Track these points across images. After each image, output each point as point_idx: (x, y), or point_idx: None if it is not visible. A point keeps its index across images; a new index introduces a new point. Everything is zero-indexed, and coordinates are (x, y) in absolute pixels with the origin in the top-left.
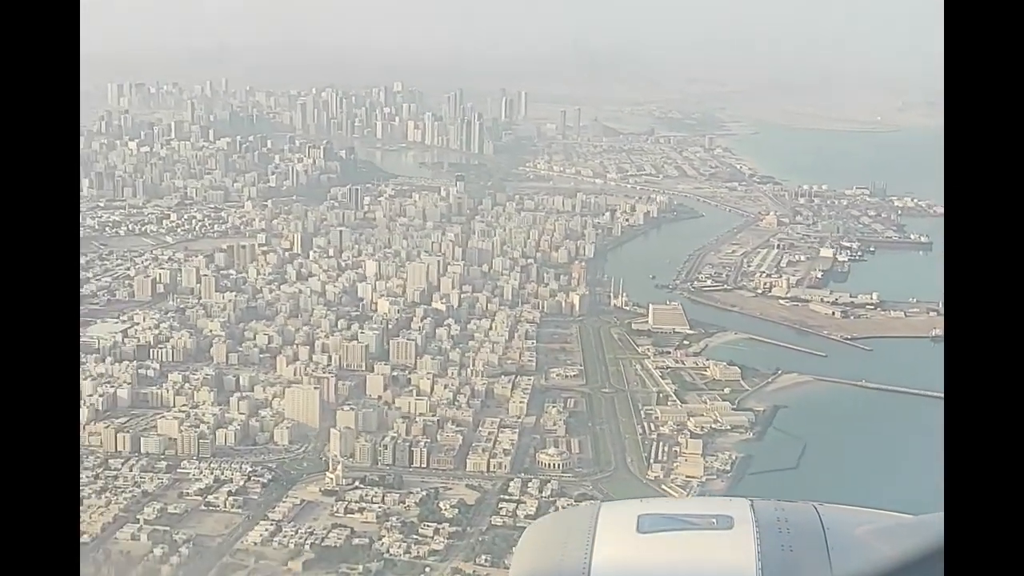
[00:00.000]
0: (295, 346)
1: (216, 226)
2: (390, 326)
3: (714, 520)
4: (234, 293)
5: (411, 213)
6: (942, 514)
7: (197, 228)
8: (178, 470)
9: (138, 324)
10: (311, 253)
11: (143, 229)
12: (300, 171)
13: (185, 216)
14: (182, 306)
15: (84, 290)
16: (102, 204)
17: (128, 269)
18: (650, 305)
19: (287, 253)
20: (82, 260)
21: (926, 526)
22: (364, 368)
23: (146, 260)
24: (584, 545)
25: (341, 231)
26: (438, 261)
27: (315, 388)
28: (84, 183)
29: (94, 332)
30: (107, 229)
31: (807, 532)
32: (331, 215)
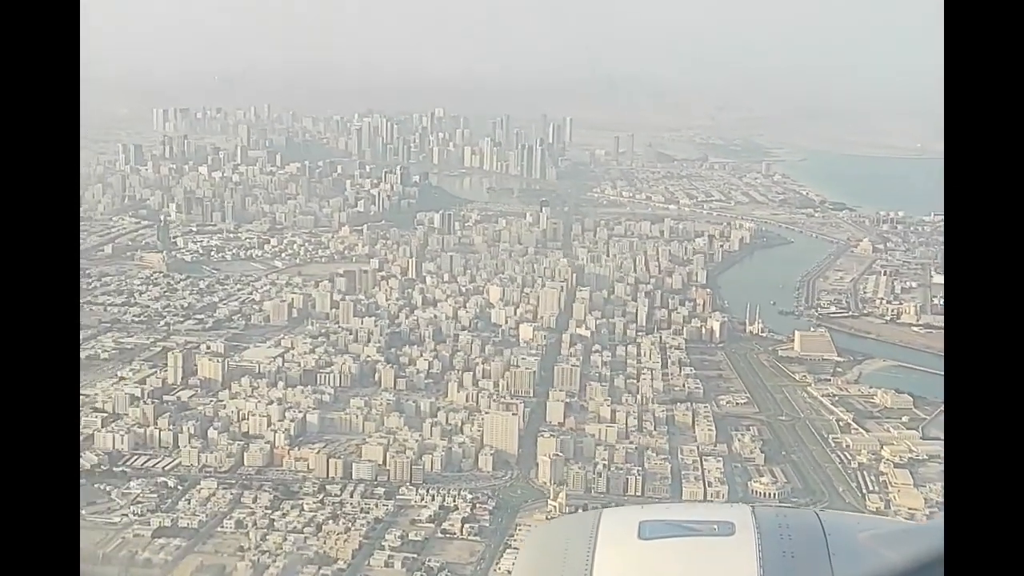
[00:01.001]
0: (458, 372)
1: (319, 251)
2: (542, 352)
3: (715, 526)
4: (372, 318)
5: (505, 238)
6: (942, 521)
7: (301, 253)
8: (398, 496)
9: (293, 349)
10: (427, 278)
11: (248, 254)
12: (382, 196)
13: (285, 241)
14: (324, 330)
15: (218, 314)
16: (195, 228)
17: (251, 294)
18: (796, 332)
19: (404, 278)
20: (201, 284)
21: (926, 532)
22: (531, 394)
23: (264, 285)
24: (586, 551)
25: (451, 256)
26: (562, 286)
27: (513, 415)
28: (172, 207)
29: (251, 356)
30: (212, 253)
31: (808, 538)
32: (432, 240)
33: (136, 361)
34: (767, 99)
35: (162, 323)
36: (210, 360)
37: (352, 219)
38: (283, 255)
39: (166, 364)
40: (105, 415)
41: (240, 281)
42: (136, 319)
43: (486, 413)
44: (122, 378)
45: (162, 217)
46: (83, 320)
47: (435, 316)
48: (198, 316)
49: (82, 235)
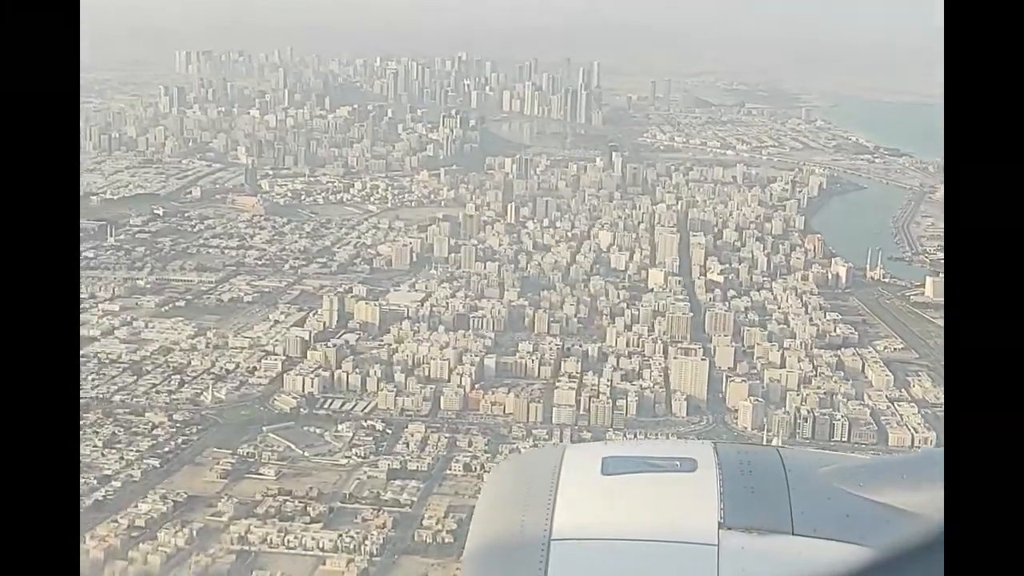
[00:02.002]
0: (605, 317)
1: (404, 195)
2: (681, 298)
3: (678, 463)
4: (495, 263)
5: (584, 183)
6: (903, 454)
7: (388, 197)
8: (608, 440)
9: (434, 293)
10: (528, 223)
11: (337, 198)
12: (448, 141)
13: (368, 185)
14: (450, 275)
15: (338, 258)
16: (270, 172)
17: (359, 237)
18: (927, 278)
19: (505, 223)
20: (306, 228)
21: (884, 466)
22: (688, 340)
23: (367, 229)
24: (549, 485)
25: (547, 201)
26: (676, 232)
27: (702, 360)
28: (240, 151)
29: (395, 300)
30: (301, 197)
31: (769, 474)
32: (517, 184)
33: (280, 304)
34: (774, 46)
35: (286, 266)
36: (367, 304)
37: (423, 163)
38: (372, 199)
39: (312, 307)
40: (283, 359)
41: (343, 225)
42: (259, 262)
43: (674, 359)
44: (276, 321)
45: (250, 160)
46: (207, 262)
47: (556, 261)
48: (319, 260)
49: (161, 177)
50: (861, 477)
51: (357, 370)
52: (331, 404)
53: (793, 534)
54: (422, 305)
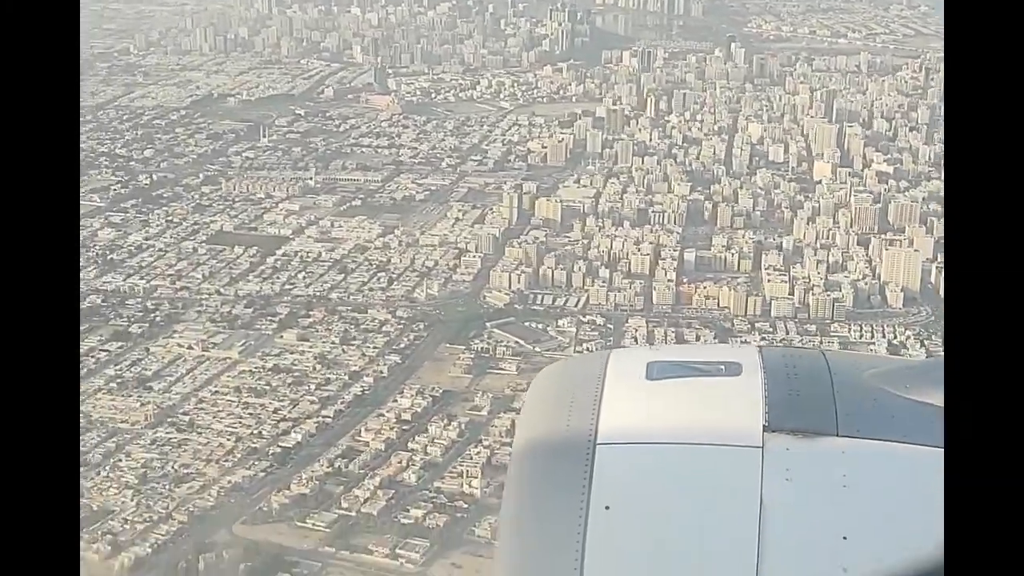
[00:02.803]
0: (788, 209)
1: (531, 91)
2: (856, 189)
3: (722, 367)
4: (652, 157)
5: (710, 75)
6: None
7: (518, 94)
8: (831, 333)
9: (604, 189)
10: (669, 117)
11: (467, 95)
12: (562, 35)
13: (494, 81)
14: (607, 170)
15: (490, 155)
16: (390, 72)
17: (503, 135)
18: None
19: (646, 117)
20: (447, 126)
21: (929, 368)
22: (876, 230)
23: (508, 125)
24: (594, 391)
25: (684, 93)
26: (828, 122)
27: (916, 251)
28: (356, 49)
29: (565, 196)
30: (431, 95)
31: (814, 377)
32: (644, 78)
33: (451, 202)
34: None
35: (443, 165)
36: (547, 200)
37: (541, 58)
38: (501, 96)
39: (483, 204)
40: (480, 255)
41: (482, 123)
42: (416, 161)
43: (885, 249)
44: (457, 219)
45: (378, 59)
46: (365, 162)
47: (714, 153)
48: (473, 158)
49: (287, 77)
50: (906, 378)
51: (560, 266)
52: (542, 300)
53: (838, 435)
54: (596, 201)
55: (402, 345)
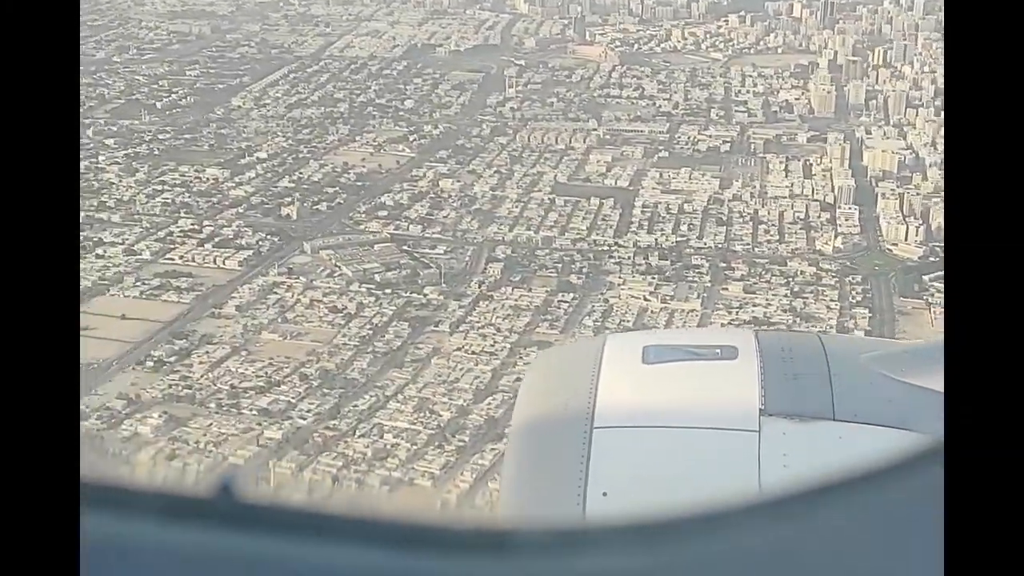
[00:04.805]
0: None
1: (721, 43)
2: None
3: (719, 351)
4: (924, 109)
5: (898, 25)
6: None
7: (719, 45)
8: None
9: (907, 141)
10: (903, 69)
11: (668, 47)
12: None
13: (686, 32)
14: (890, 121)
15: (749, 107)
16: (566, 22)
17: (741, 86)
18: None
19: (880, 69)
20: (678, 77)
21: (928, 350)
22: None
23: (734, 77)
24: (591, 375)
25: (898, 44)
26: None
27: None
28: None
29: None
30: (634, 47)
31: (810, 360)
32: (837, 29)
33: (759, 154)
34: None
35: (712, 116)
36: (880, 152)
37: (710, 10)
38: (703, 47)
39: (793, 157)
40: (845, 208)
41: (707, 73)
42: (661, 114)
43: None
44: (787, 171)
45: (579, 8)
46: (632, 112)
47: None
48: (738, 110)
49: (465, 28)
50: (903, 362)
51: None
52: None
53: (834, 419)
54: (909, 151)
55: (864, 299)
